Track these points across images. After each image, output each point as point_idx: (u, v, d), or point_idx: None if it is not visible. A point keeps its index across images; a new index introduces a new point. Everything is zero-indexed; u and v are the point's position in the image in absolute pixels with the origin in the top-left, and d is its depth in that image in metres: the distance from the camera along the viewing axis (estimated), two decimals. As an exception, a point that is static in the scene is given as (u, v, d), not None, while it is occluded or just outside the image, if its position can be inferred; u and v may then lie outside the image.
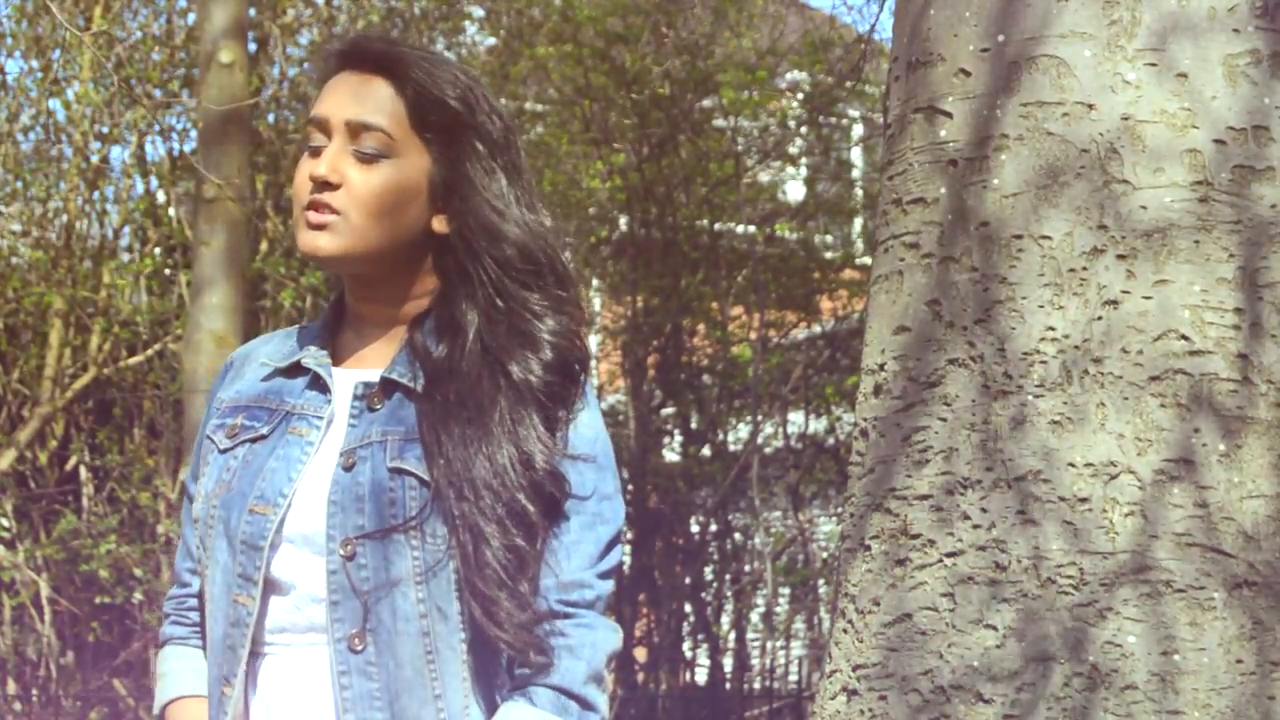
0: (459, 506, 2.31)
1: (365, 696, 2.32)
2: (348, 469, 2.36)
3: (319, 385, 2.44)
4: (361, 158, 2.38)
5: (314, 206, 2.38)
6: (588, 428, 2.42)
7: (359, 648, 2.32)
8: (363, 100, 2.39)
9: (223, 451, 2.44)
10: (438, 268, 2.44)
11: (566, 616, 2.35)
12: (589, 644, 2.36)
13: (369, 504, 2.34)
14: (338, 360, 2.47)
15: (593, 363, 12.05)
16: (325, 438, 2.40)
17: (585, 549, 2.38)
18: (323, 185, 2.38)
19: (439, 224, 2.42)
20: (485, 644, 2.36)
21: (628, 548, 11.40)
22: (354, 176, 2.38)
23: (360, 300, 2.47)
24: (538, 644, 2.33)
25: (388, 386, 2.41)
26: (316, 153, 2.41)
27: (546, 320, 2.40)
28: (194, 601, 2.51)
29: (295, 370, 2.46)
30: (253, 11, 9.67)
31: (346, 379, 2.44)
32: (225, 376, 2.55)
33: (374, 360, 2.45)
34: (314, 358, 2.45)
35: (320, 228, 2.38)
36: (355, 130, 2.39)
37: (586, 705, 2.35)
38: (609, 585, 2.41)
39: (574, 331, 2.42)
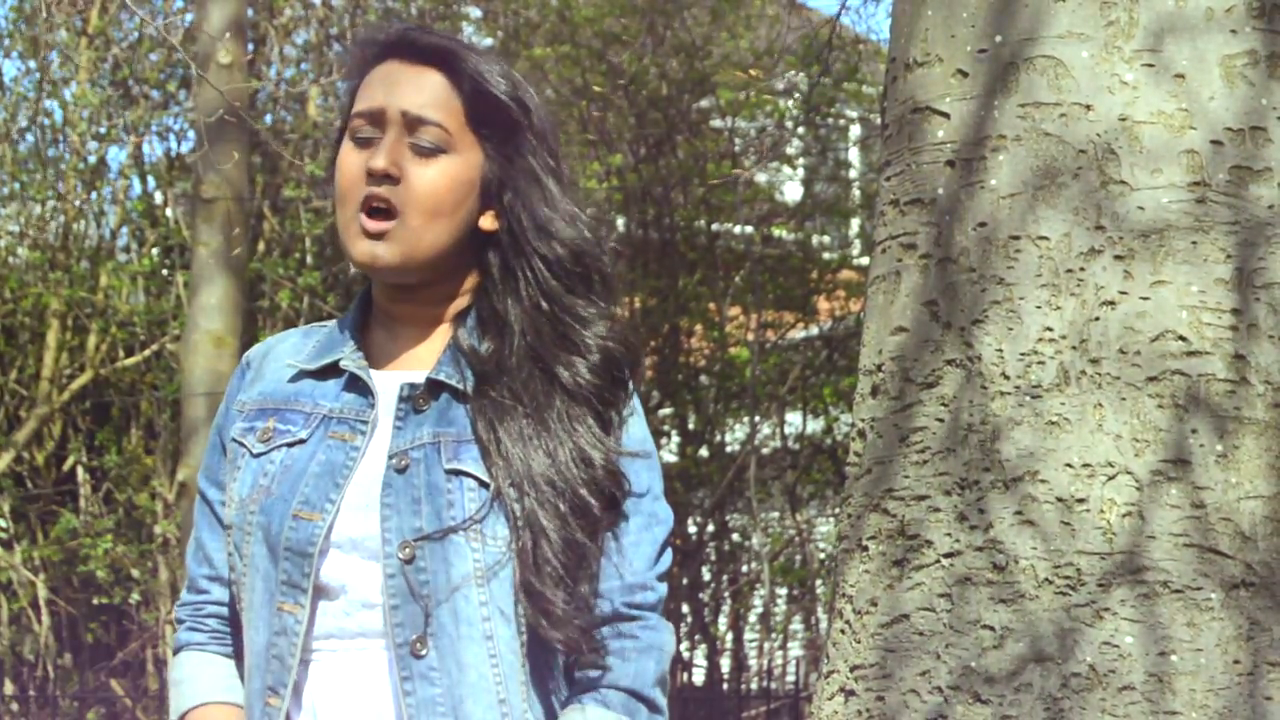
0: (520, 503, 2.27)
1: (428, 702, 2.27)
2: (401, 471, 2.30)
3: (357, 388, 2.37)
4: (420, 151, 2.32)
5: (371, 203, 2.31)
6: (638, 428, 2.39)
7: (422, 652, 2.26)
8: (420, 92, 2.33)
9: (256, 455, 2.37)
10: (479, 265, 2.39)
11: (633, 619, 2.33)
12: (656, 646, 2.34)
13: (425, 506, 2.28)
14: (373, 362, 2.40)
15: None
16: (371, 441, 2.34)
17: (644, 550, 2.36)
18: (382, 178, 2.31)
19: (487, 221, 2.36)
20: (544, 645, 2.31)
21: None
22: (412, 172, 2.31)
23: (395, 301, 2.41)
24: (593, 644, 2.29)
25: (434, 388, 2.35)
26: (365, 144, 2.33)
27: (594, 327, 2.36)
28: (212, 609, 2.44)
29: (327, 372, 2.39)
30: (250, 12, 9.67)
31: (388, 381, 2.37)
32: (244, 377, 2.46)
33: (415, 362, 2.39)
34: (351, 360, 2.38)
35: (379, 236, 2.31)
36: (413, 123, 2.32)
37: (654, 708, 2.34)
38: (665, 587, 2.39)
39: (622, 336, 2.37)
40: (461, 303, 2.40)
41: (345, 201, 2.34)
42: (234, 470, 2.39)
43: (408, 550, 2.27)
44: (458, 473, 2.29)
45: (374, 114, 2.33)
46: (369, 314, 2.45)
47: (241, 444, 2.39)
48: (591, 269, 2.38)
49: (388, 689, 2.29)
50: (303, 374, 2.41)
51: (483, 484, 2.29)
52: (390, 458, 2.31)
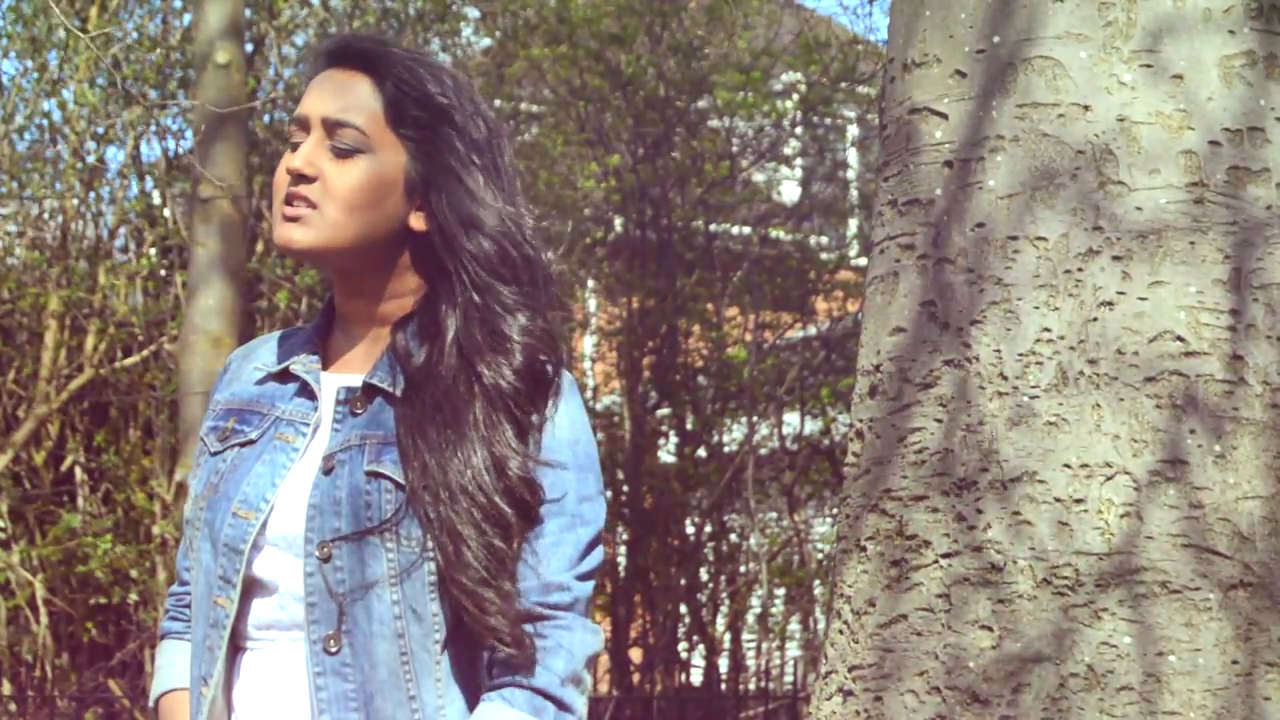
0: (435, 510, 2.33)
1: (340, 697, 2.35)
2: (327, 473, 2.38)
3: (307, 392, 2.46)
4: (337, 153, 2.41)
5: (290, 200, 2.41)
6: (567, 428, 2.43)
7: (334, 649, 2.35)
8: (341, 96, 2.43)
9: (213, 454, 2.48)
10: (418, 268, 2.46)
11: (545, 618, 2.37)
12: (567, 646, 2.37)
13: (345, 507, 2.36)
14: (327, 363, 2.49)
15: (586, 362, 12.05)
16: (311, 443, 2.43)
17: (564, 551, 2.39)
18: (299, 178, 2.41)
19: (417, 221, 2.44)
20: (464, 643, 2.37)
21: (623, 549, 11.40)
22: (329, 171, 2.41)
23: (345, 297, 2.49)
24: (527, 637, 2.34)
25: (369, 391, 2.43)
26: (295, 149, 2.44)
27: (518, 316, 2.41)
28: (190, 598, 2.54)
29: (286, 375, 2.49)
30: (249, 12, 9.67)
31: (332, 384, 2.46)
32: (223, 378, 2.58)
33: (358, 364, 2.47)
34: (303, 364, 2.48)
35: (294, 220, 2.41)
36: (331, 127, 2.42)
37: (563, 707, 2.37)
38: (589, 587, 2.42)
39: (545, 330, 2.43)
40: (406, 304, 2.47)
41: (275, 198, 2.46)
42: (195, 467, 2.51)
43: (325, 549, 2.36)
44: (376, 475, 2.37)
45: (301, 120, 2.45)
46: (334, 316, 2.54)
47: (204, 441, 2.51)
48: (518, 259, 2.43)
49: (306, 682, 2.38)
50: (268, 377, 2.51)
51: (399, 486, 2.36)
52: (322, 460, 2.40)
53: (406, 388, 2.40)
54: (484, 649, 2.37)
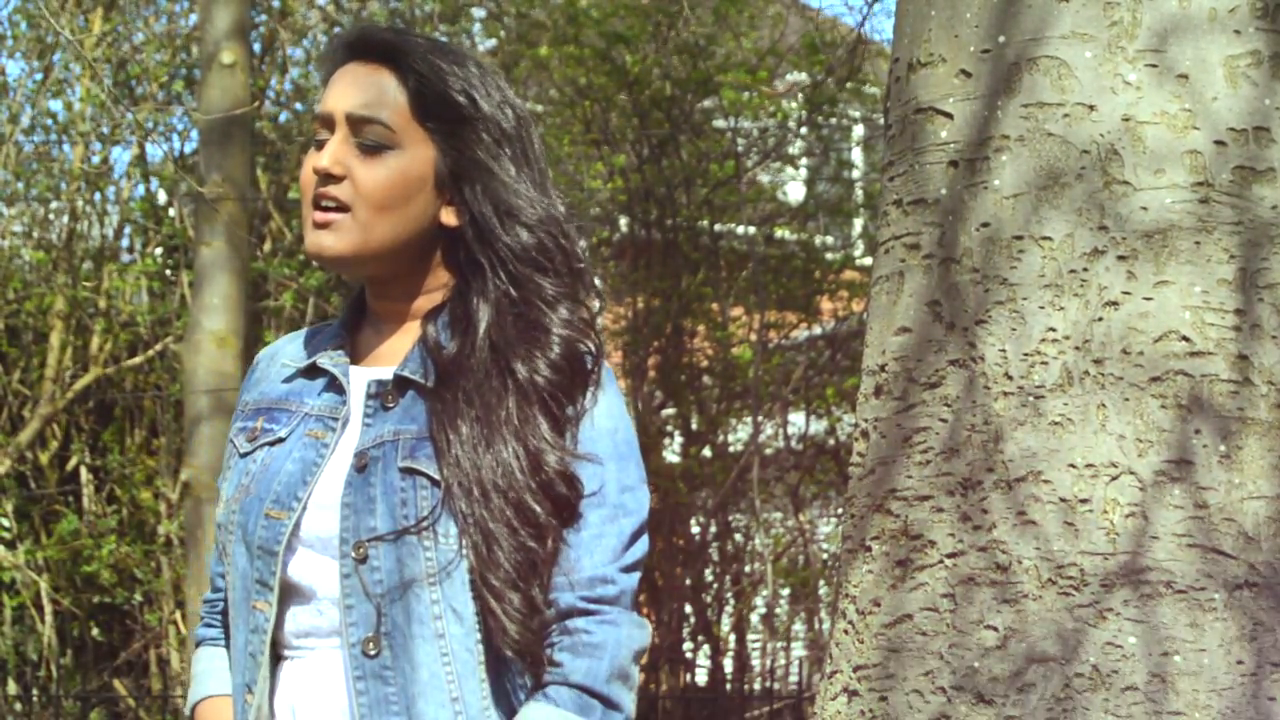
0: (468, 507, 2.28)
1: (381, 701, 2.29)
2: (360, 470, 2.32)
3: (336, 387, 2.40)
4: (364, 150, 2.35)
5: (319, 200, 2.35)
6: (606, 417, 2.37)
7: (373, 652, 2.29)
8: (365, 92, 2.36)
9: (243, 455, 2.42)
10: (449, 263, 2.41)
11: (589, 613, 2.31)
12: (613, 641, 2.31)
13: (380, 505, 2.30)
14: (357, 358, 2.43)
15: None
16: (341, 439, 2.37)
17: (607, 543, 2.33)
18: (326, 178, 2.35)
19: (448, 216, 2.38)
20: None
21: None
22: (358, 169, 2.35)
23: (375, 297, 2.44)
24: (541, 648, 2.30)
25: (401, 384, 2.37)
26: (320, 147, 2.38)
27: (559, 309, 2.36)
28: (224, 605, 2.49)
29: (314, 371, 2.43)
30: (261, 15, 9.67)
31: (361, 378, 2.40)
32: (250, 378, 2.51)
33: (389, 357, 2.41)
34: (330, 358, 2.42)
35: (325, 226, 2.35)
36: (357, 123, 2.36)
37: (610, 704, 2.30)
38: (634, 579, 2.36)
39: (585, 321, 2.38)
40: (436, 299, 2.42)
41: (304, 200, 2.40)
42: (226, 470, 2.45)
43: (361, 550, 2.29)
44: (412, 471, 2.31)
45: (325, 118, 2.39)
46: (363, 311, 2.49)
47: (233, 443, 2.45)
48: (557, 248, 2.38)
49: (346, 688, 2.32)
50: (296, 374, 2.45)
51: (435, 483, 2.30)
52: (354, 456, 2.34)
53: (438, 380, 2.34)
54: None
